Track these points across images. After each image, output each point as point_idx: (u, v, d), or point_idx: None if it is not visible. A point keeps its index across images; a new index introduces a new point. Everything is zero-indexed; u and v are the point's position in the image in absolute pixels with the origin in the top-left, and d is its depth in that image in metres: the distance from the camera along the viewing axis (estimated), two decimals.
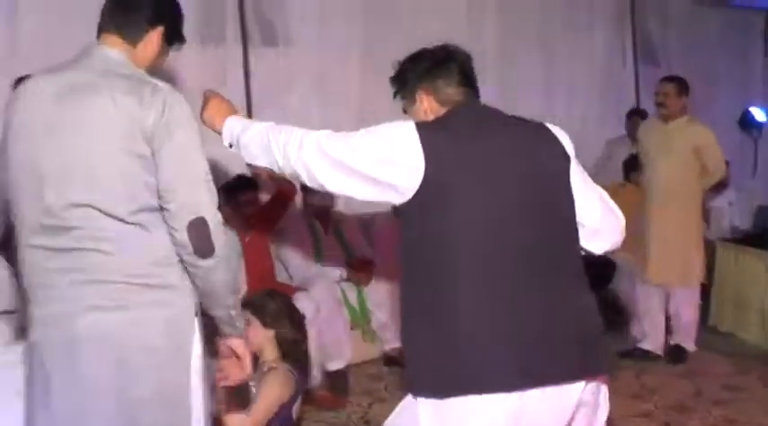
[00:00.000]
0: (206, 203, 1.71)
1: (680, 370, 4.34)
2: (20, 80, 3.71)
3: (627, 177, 5.24)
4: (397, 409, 1.89)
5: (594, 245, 1.88)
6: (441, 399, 1.68)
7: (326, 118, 4.76)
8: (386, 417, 1.95)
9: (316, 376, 3.54)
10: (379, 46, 4.98)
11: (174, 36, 1.92)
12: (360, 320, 4.31)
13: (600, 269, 4.75)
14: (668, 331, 4.58)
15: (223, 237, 1.74)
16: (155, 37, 1.86)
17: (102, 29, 1.84)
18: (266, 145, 1.82)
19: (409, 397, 1.80)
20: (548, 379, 1.69)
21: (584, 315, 1.79)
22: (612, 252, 1.96)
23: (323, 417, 3.64)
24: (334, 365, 3.99)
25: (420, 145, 1.68)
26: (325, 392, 3.80)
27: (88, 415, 1.69)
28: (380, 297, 4.28)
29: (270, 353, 2.61)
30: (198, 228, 1.67)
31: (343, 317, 4.19)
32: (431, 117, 1.85)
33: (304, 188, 4.04)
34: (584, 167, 1.91)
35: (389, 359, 4.28)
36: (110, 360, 1.67)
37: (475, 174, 1.71)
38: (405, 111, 1.95)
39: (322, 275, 4.24)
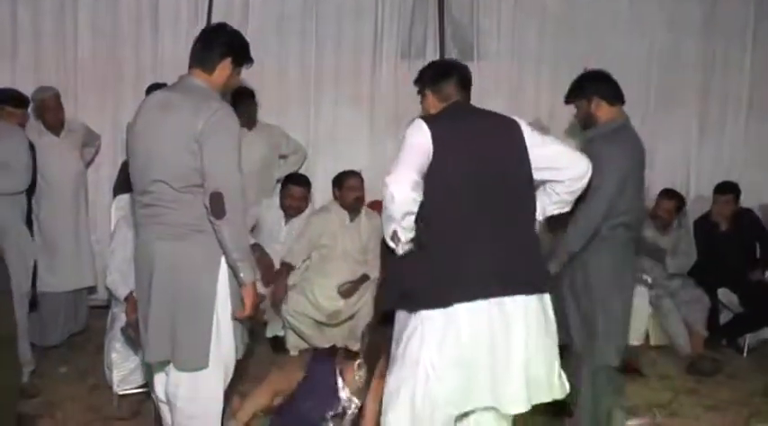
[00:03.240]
0: (225, 183, 2.51)
1: None
2: (151, 87, 4.44)
3: None
4: (396, 328, 2.54)
5: (565, 174, 2.57)
6: (439, 308, 2.37)
7: None
8: None
9: None
10: (569, 59, 5.19)
11: (241, 61, 2.73)
12: None
13: None
14: None
15: (235, 209, 2.51)
16: (225, 65, 2.68)
17: (191, 64, 2.69)
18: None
19: (402, 316, 2.51)
20: (517, 289, 2.41)
21: (534, 246, 2.53)
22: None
23: None
24: None
25: (430, 133, 2.40)
26: None
27: (154, 298, 2.63)
28: None
29: None
30: (215, 198, 2.49)
31: None
32: (432, 110, 2.65)
33: None
34: None
35: None
36: (168, 267, 2.60)
37: (458, 150, 2.41)
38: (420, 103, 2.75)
39: None
